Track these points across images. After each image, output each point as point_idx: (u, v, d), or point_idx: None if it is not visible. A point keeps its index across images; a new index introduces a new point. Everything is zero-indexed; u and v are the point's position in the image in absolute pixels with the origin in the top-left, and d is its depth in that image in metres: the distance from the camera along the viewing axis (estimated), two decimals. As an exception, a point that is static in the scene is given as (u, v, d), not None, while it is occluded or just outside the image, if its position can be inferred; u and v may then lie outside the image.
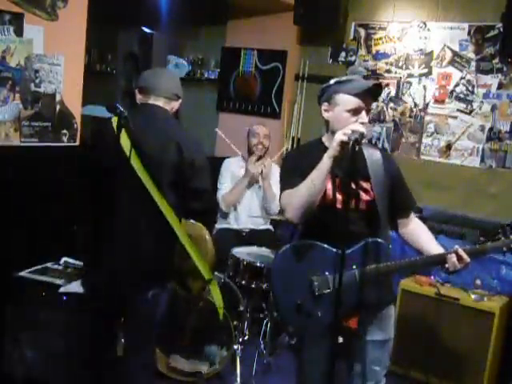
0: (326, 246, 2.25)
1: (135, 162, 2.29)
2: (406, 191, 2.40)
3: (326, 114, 2.27)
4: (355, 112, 2.17)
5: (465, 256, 2.13)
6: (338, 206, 2.23)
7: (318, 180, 2.11)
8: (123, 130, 2.31)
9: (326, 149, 2.27)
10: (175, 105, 2.56)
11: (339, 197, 2.23)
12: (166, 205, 2.32)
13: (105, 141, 2.49)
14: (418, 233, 2.37)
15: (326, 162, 2.09)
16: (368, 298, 2.15)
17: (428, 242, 2.31)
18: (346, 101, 2.18)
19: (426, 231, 2.38)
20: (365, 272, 2.13)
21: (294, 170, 2.28)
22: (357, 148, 2.05)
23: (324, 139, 2.35)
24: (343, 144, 2.04)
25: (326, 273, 2.22)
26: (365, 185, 2.24)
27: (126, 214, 2.36)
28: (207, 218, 2.61)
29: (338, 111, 2.21)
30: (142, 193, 2.30)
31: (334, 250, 2.21)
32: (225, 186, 4.26)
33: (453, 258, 2.14)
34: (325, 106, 2.27)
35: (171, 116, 2.52)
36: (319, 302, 2.22)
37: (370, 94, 2.20)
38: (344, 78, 2.24)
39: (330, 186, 2.24)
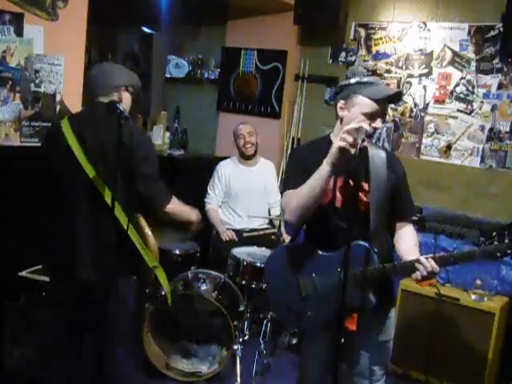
0: (313, 248, 2.27)
1: (82, 160, 2.36)
2: (405, 197, 2.35)
3: (341, 112, 2.24)
4: (371, 116, 2.15)
5: (427, 264, 2.07)
6: (338, 205, 2.23)
7: (318, 185, 2.08)
8: (69, 129, 2.40)
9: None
10: (118, 95, 2.52)
11: (339, 196, 2.23)
12: (114, 199, 2.32)
13: (55, 143, 2.51)
14: (402, 239, 2.32)
15: (325, 168, 2.05)
16: (355, 300, 2.12)
17: (406, 251, 2.23)
18: (364, 104, 2.16)
19: (410, 239, 2.30)
20: (346, 275, 2.05)
21: (299, 169, 2.26)
22: (363, 147, 2.05)
23: (332, 136, 2.32)
24: (342, 151, 2.01)
25: (313, 274, 2.24)
26: (365, 186, 2.23)
27: (74, 213, 2.43)
28: (150, 207, 2.59)
29: (354, 112, 2.18)
30: (90, 189, 2.37)
31: (321, 252, 2.24)
32: (213, 196, 4.30)
33: (420, 266, 2.08)
34: (341, 103, 2.23)
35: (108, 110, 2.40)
36: (307, 302, 2.25)
37: (389, 99, 2.19)
38: (365, 80, 2.21)
39: (331, 183, 2.24)
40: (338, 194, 2.22)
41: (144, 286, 2.79)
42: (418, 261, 2.10)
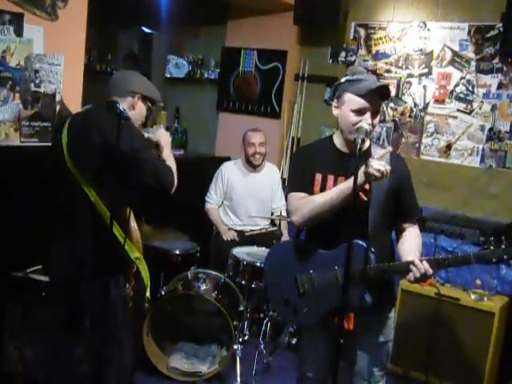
0: (312, 245, 2.29)
1: (67, 158, 2.38)
2: (408, 198, 2.32)
3: (335, 112, 2.27)
4: (360, 112, 2.16)
5: (420, 266, 2.06)
6: None
7: (338, 200, 2.12)
8: (65, 130, 2.41)
9: (336, 148, 2.29)
10: (132, 101, 2.52)
11: None
12: (97, 197, 2.34)
13: (53, 140, 2.57)
14: (403, 240, 2.30)
15: (351, 186, 2.06)
16: (351, 299, 2.09)
17: (405, 252, 2.22)
18: (351, 100, 2.17)
19: (411, 240, 2.27)
20: (348, 274, 2.04)
21: (302, 170, 2.30)
22: (363, 147, 2.08)
23: (334, 138, 2.33)
24: (368, 176, 2.05)
25: (311, 271, 2.26)
26: (366, 186, 2.22)
27: (62, 212, 2.46)
28: (165, 189, 2.51)
29: (344, 110, 2.20)
30: (78, 189, 2.37)
31: (319, 249, 2.25)
32: (214, 196, 4.30)
33: (413, 268, 2.09)
34: (334, 103, 2.27)
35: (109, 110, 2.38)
36: (304, 298, 2.27)
37: (378, 94, 2.17)
38: (355, 77, 2.21)
39: (331, 184, 2.24)
40: None
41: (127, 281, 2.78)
42: (412, 262, 2.09)
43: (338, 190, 2.14)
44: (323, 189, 2.25)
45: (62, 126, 2.48)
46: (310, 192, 2.25)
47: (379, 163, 2.04)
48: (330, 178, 2.24)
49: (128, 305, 2.70)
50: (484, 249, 2.05)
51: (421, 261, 2.08)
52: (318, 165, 2.27)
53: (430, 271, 2.07)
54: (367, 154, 2.24)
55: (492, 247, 2.03)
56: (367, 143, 2.27)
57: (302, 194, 2.25)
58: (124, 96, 2.50)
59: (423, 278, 2.10)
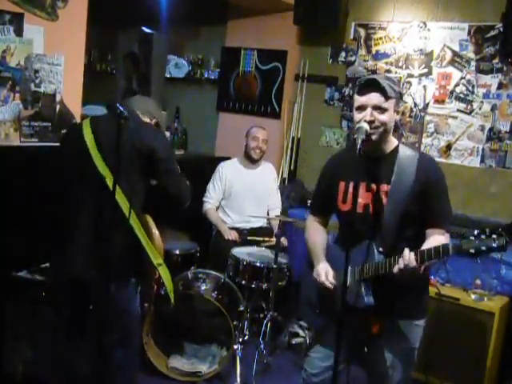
0: (337, 246, 2.37)
1: (96, 159, 2.40)
2: (435, 204, 2.19)
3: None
4: (360, 109, 2.17)
5: (406, 256, 2.00)
6: (359, 210, 2.22)
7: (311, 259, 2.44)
8: (89, 130, 2.46)
9: (358, 154, 2.20)
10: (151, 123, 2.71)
11: (361, 201, 2.22)
12: (124, 199, 2.37)
13: (71, 141, 2.59)
14: (424, 244, 2.16)
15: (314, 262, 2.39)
16: (350, 298, 2.11)
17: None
18: (354, 99, 2.22)
19: (431, 243, 2.13)
20: (346, 276, 2.03)
21: (323, 191, 2.46)
22: (388, 149, 2.17)
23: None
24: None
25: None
26: (386, 188, 2.19)
27: (86, 211, 2.44)
28: (182, 201, 2.68)
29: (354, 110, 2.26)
30: (102, 189, 2.37)
31: (341, 250, 2.26)
32: (213, 196, 4.30)
33: (400, 259, 2.03)
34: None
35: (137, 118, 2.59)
36: (321, 298, 2.34)
37: (371, 89, 2.14)
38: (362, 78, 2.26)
39: (351, 190, 2.25)
40: (359, 199, 2.21)
41: (145, 286, 2.78)
42: (402, 254, 2.03)
43: (314, 255, 2.41)
44: (345, 197, 2.28)
45: (79, 127, 2.51)
46: (325, 213, 2.50)
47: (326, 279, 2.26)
48: (351, 185, 2.24)
49: (140, 307, 2.71)
50: (463, 239, 1.94)
51: (409, 252, 2.02)
52: (341, 173, 2.31)
53: (414, 263, 1.98)
54: (393, 154, 2.22)
55: (472, 237, 1.92)
56: (395, 143, 2.25)
57: (313, 218, 2.52)
58: (145, 114, 2.69)
59: (406, 271, 2.00)
